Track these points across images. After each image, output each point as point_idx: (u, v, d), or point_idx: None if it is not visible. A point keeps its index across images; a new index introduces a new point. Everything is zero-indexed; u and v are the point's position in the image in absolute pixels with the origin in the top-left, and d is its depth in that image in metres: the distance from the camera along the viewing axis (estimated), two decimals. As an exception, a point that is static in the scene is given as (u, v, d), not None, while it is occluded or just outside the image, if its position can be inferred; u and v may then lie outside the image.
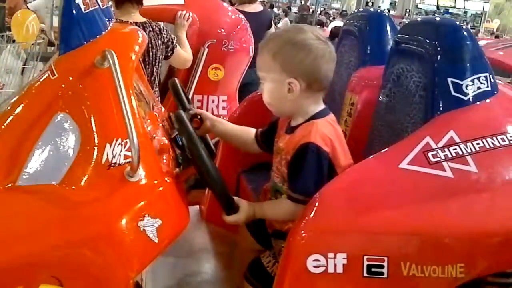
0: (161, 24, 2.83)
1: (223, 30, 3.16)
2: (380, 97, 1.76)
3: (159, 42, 2.69)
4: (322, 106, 1.47)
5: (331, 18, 15.67)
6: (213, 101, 3.24)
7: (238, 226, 1.86)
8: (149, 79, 2.65)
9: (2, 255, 1.21)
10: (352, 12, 3.81)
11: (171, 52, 2.77)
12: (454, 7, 31.70)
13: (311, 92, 1.42)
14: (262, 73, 1.45)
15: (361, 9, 3.70)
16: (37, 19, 6.58)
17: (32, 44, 5.74)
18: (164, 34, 2.71)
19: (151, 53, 2.66)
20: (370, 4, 22.25)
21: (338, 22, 9.91)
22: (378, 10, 2.34)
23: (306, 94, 1.41)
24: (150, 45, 2.62)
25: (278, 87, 1.41)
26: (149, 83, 2.39)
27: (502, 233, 1.23)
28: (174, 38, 2.78)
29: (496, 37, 17.49)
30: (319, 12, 18.13)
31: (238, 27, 3.27)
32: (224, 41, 3.19)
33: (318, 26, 10.88)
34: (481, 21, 28.86)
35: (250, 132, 1.68)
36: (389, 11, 25.74)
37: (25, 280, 1.20)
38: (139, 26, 2.36)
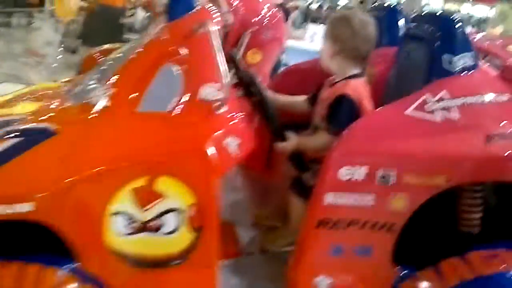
0: None
1: (264, 20, 3.78)
2: (394, 68, 2.33)
3: None
4: (357, 71, 2.05)
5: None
6: None
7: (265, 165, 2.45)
8: None
9: (124, 155, 1.77)
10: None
11: None
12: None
13: (344, 57, 2.02)
14: (326, 35, 2.06)
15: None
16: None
17: (72, 20, 6.32)
18: None
19: None
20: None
21: None
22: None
23: (340, 58, 2.02)
24: None
25: (325, 48, 2.04)
26: None
27: (471, 156, 1.81)
28: None
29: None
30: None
31: (276, 19, 3.86)
32: (264, 29, 3.79)
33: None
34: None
35: (296, 98, 2.29)
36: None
37: (148, 173, 1.76)
38: None
